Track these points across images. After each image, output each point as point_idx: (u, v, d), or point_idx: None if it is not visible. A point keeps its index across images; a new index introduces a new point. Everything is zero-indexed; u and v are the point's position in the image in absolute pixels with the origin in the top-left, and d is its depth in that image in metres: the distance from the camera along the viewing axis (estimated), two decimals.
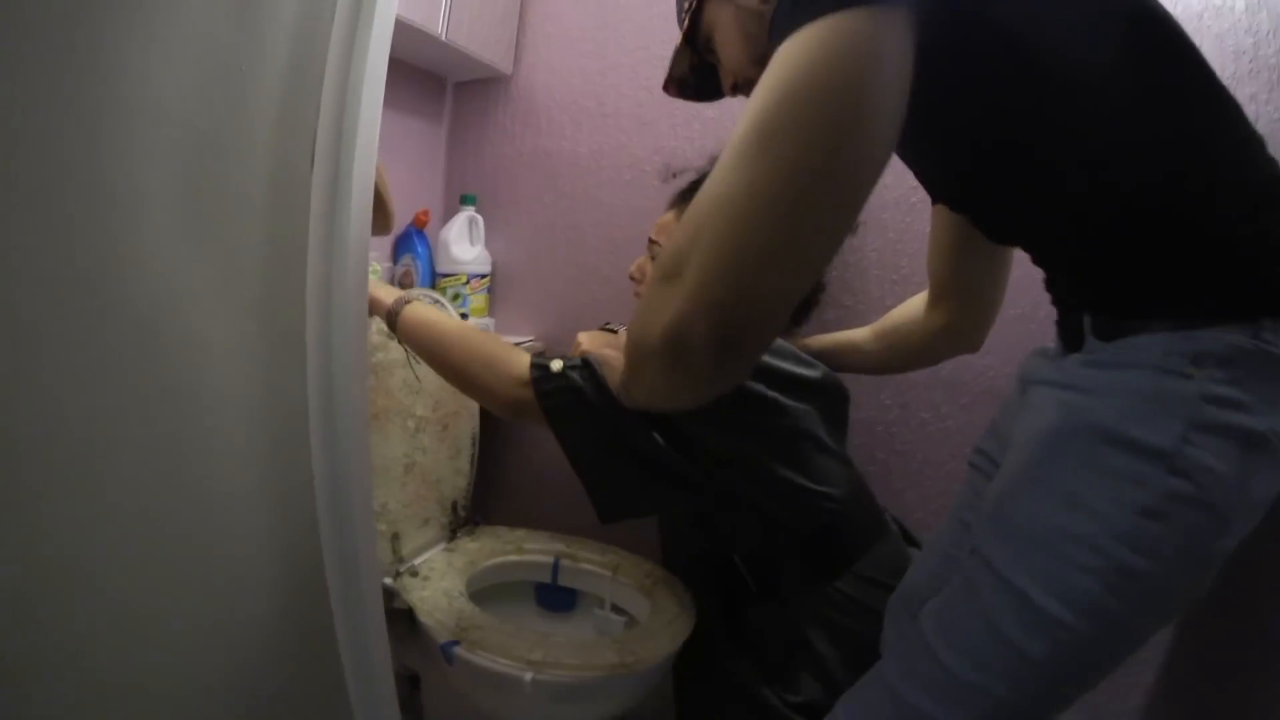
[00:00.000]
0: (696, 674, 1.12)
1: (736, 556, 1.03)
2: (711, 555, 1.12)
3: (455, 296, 1.50)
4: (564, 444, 0.87)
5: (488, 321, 1.50)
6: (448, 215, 1.59)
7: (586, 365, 0.86)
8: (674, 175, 1.16)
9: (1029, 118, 0.58)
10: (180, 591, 0.59)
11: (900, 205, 1.29)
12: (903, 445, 1.35)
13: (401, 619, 1.15)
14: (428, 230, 1.54)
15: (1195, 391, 0.54)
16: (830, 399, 1.00)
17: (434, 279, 1.53)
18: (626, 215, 1.52)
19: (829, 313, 1.35)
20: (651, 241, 1.08)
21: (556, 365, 0.85)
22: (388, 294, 0.98)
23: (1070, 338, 0.67)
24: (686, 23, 0.81)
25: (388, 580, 1.18)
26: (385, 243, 1.51)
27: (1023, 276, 0.91)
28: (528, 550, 1.38)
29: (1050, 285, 0.71)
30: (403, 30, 1.23)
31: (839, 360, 1.12)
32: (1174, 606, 0.60)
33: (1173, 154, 0.57)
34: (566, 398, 0.85)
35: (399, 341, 0.97)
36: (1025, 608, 0.58)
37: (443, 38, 1.33)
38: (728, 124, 1.43)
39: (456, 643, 1.06)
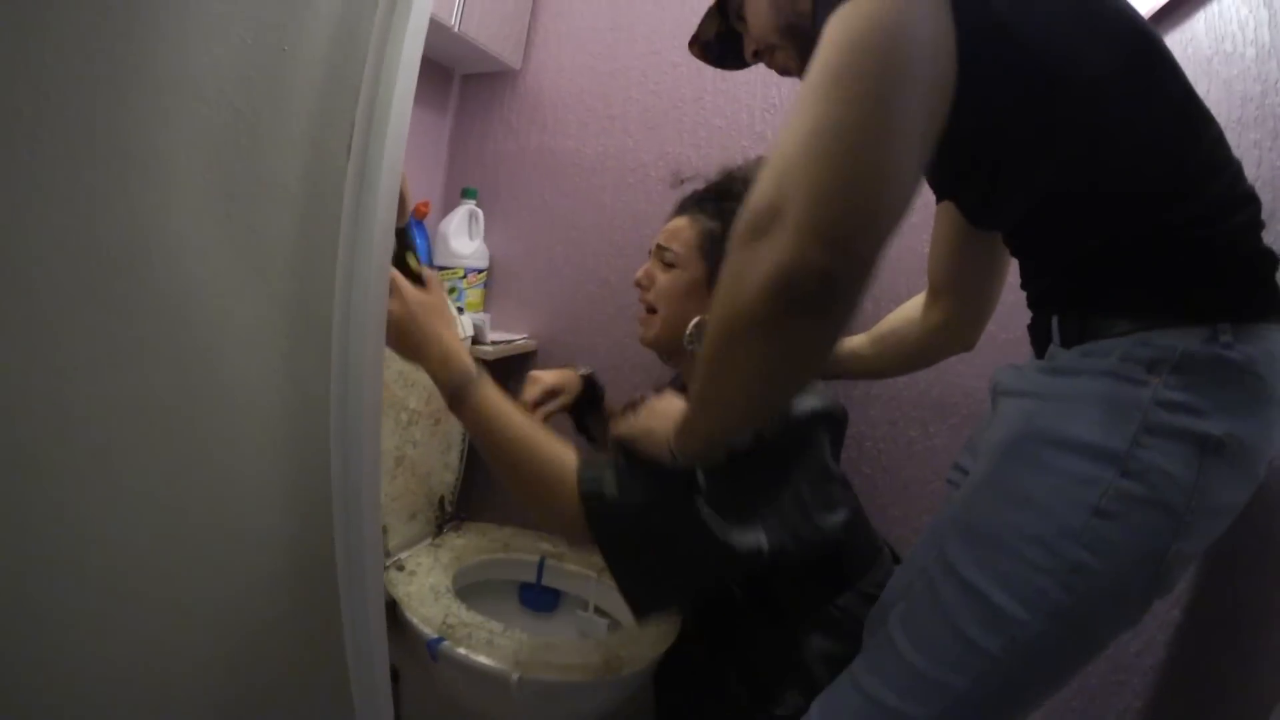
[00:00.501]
0: (679, 682, 1.14)
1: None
2: None
3: (452, 290, 1.51)
4: (615, 575, 0.80)
5: (483, 316, 1.50)
6: (447, 207, 1.59)
7: (628, 459, 0.79)
8: (682, 182, 1.17)
9: (1017, 112, 0.61)
10: (195, 579, 0.60)
11: None
12: (890, 462, 1.38)
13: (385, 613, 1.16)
14: (427, 222, 1.55)
15: (1149, 396, 0.58)
16: (837, 425, 1.03)
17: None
18: (628, 219, 1.53)
19: None
20: (660, 248, 1.07)
21: (610, 487, 0.78)
22: (457, 362, 0.84)
23: (1039, 341, 0.71)
24: None
25: None
26: None
27: (1016, 303, 0.95)
28: (514, 549, 1.39)
29: (1024, 280, 0.75)
30: None
31: (837, 368, 1.14)
32: (1132, 607, 0.63)
33: (1146, 159, 0.60)
34: (616, 527, 0.78)
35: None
36: (983, 605, 0.61)
37: (456, 29, 1.34)
38: (734, 133, 1.45)
39: (442, 639, 1.07)
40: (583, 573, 1.36)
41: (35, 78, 0.44)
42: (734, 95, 1.45)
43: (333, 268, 0.68)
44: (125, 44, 0.48)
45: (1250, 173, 0.64)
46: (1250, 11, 0.80)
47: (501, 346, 1.48)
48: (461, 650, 1.06)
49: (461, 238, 1.54)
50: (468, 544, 1.37)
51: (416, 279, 0.89)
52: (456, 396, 0.83)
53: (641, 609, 0.81)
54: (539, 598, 1.41)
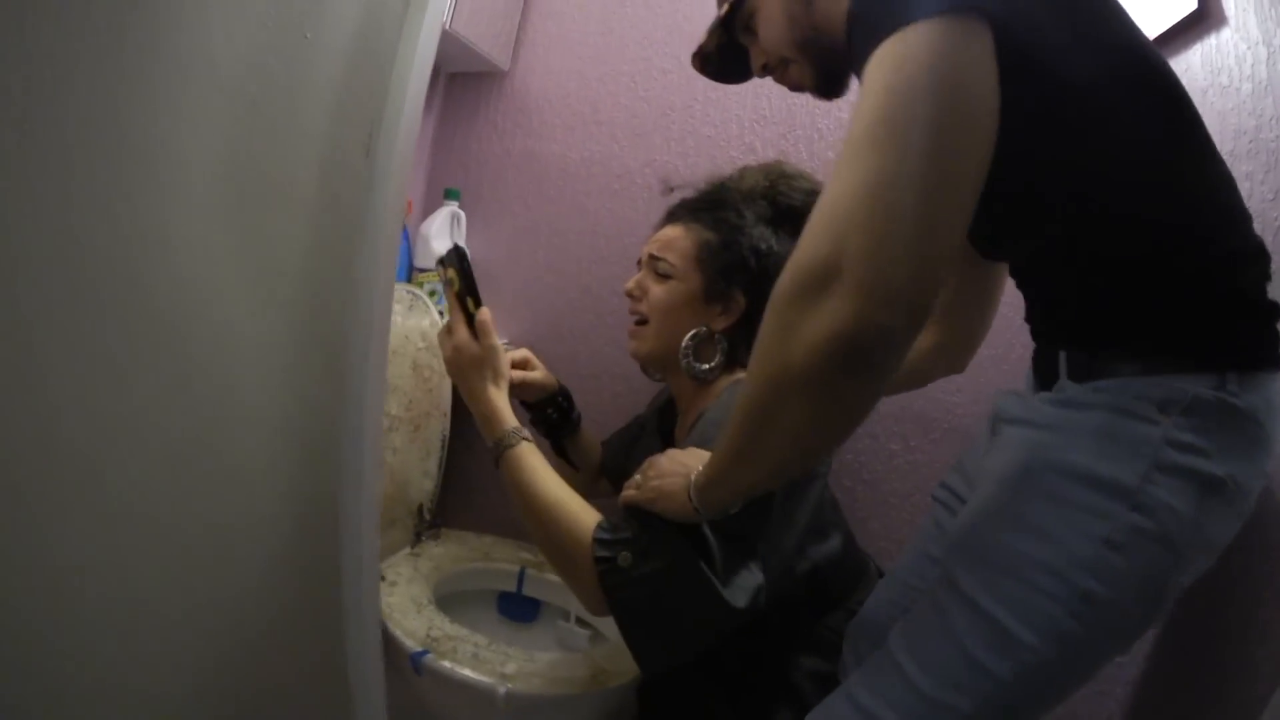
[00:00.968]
0: (664, 700, 1.14)
1: None
2: None
3: (432, 292, 1.50)
4: (625, 635, 0.83)
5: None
6: (429, 208, 1.58)
7: (640, 528, 0.81)
8: (671, 190, 1.16)
9: (1043, 146, 0.63)
10: (190, 603, 0.57)
11: None
12: (870, 475, 1.41)
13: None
14: (407, 222, 1.53)
15: (1160, 435, 0.61)
16: None
17: (410, 273, 1.52)
18: (612, 226, 1.54)
19: None
20: (654, 258, 1.06)
21: (625, 559, 0.80)
22: (498, 424, 0.94)
23: (1044, 374, 0.73)
24: (729, 1, 0.85)
25: None
26: None
27: (998, 319, 0.98)
28: (494, 558, 1.39)
29: (1031, 315, 0.77)
30: None
31: None
32: (1130, 635, 0.66)
33: (1166, 206, 0.63)
34: (627, 594, 0.80)
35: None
36: (994, 630, 0.64)
37: (448, 26, 1.33)
38: (722, 143, 1.47)
39: (426, 652, 1.07)
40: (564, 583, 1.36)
41: (27, 51, 0.38)
42: (723, 105, 1.47)
43: (344, 277, 0.66)
44: (133, 13, 0.43)
45: None
46: (1249, 48, 0.84)
47: None
48: (446, 663, 1.05)
49: (443, 239, 1.53)
50: (447, 553, 1.37)
51: (470, 319, 0.98)
52: (497, 452, 0.93)
53: (647, 665, 0.85)
54: (518, 607, 1.41)
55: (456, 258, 0.99)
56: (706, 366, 1.02)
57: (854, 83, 0.84)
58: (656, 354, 1.07)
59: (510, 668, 1.04)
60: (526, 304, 1.60)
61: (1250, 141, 0.81)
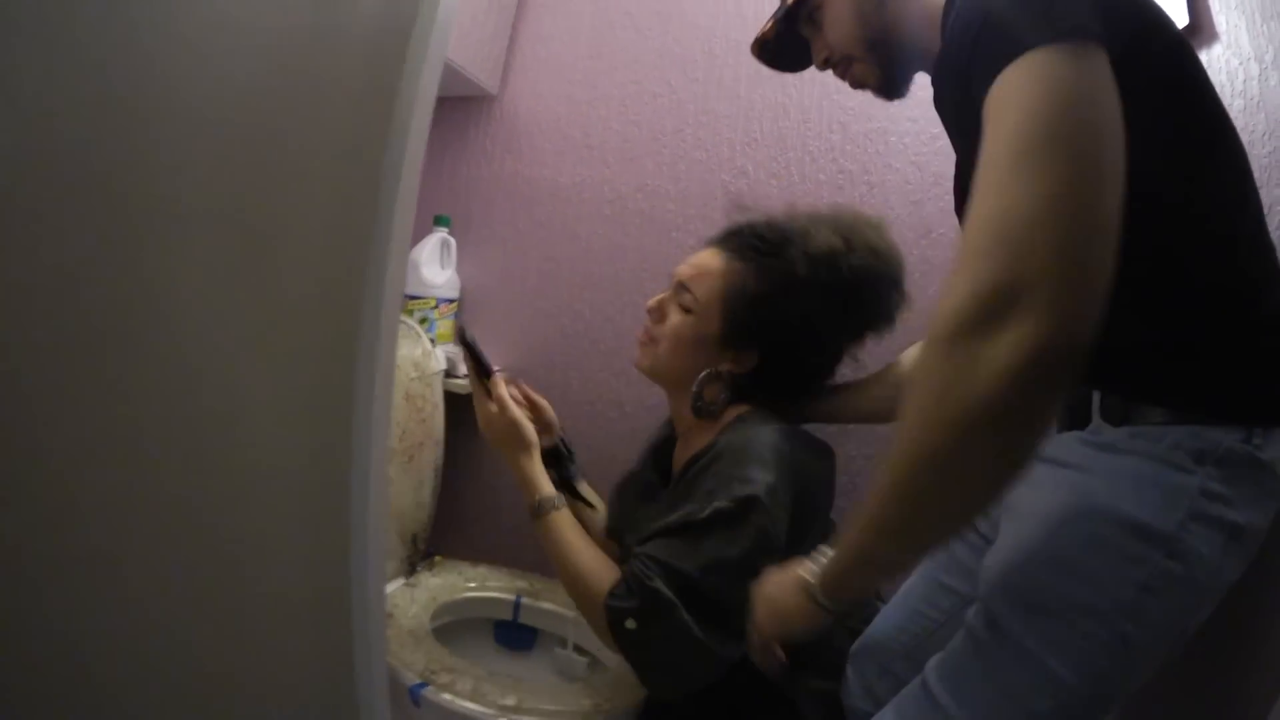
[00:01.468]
0: None
1: None
2: None
3: (423, 320, 1.51)
4: (635, 671, 0.95)
5: (455, 349, 1.51)
6: (418, 235, 1.59)
7: (644, 600, 0.90)
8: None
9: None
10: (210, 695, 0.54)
11: None
12: (864, 495, 1.43)
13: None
14: None
15: (1196, 485, 0.64)
16: (832, 471, 1.08)
17: (401, 301, 1.53)
18: (604, 251, 1.56)
19: None
20: (681, 286, 1.05)
21: (630, 624, 0.90)
22: (533, 490, 1.06)
23: (1075, 413, 0.75)
24: None
25: None
26: None
27: None
28: (490, 588, 1.41)
29: None
30: None
31: (849, 412, 1.17)
32: (1150, 671, 0.69)
33: (1223, 264, 0.66)
34: (635, 645, 0.92)
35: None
36: (1037, 671, 0.66)
37: None
38: (714, 167, 1.50)
39: (425, 684, 1.08)
40: (560, 611, 1.37)
41: None
42: (715, 128, 1.50)
43: (354, 321, 0.65)
44: (110, 25, 0.39)
45: None
46: (1240, 64, 0.87)
47: None
48: (446, 696, 1.06)
49: (433, 266, 1.54)
50: (443, 583, 1.38)
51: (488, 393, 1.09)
52: (532, 515, 1.05)
53: (657, 696, 0.99)
54: (515, 636, 1.42)
55: (463, 343, 1.09)
56: (712, 404, 1.05)
57: (915, 86, 0.86)
58: (658, 373, 1.09)
59: (510, 700, 1.06)
60: (518, 330, 1.62)
61: None
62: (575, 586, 0.99)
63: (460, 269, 1.62)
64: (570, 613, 1.36)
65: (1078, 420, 0.75)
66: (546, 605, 1.39)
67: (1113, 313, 0.71)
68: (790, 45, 0.93)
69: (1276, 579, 0.75)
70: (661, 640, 0.89)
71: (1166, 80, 0.64)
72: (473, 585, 1.40)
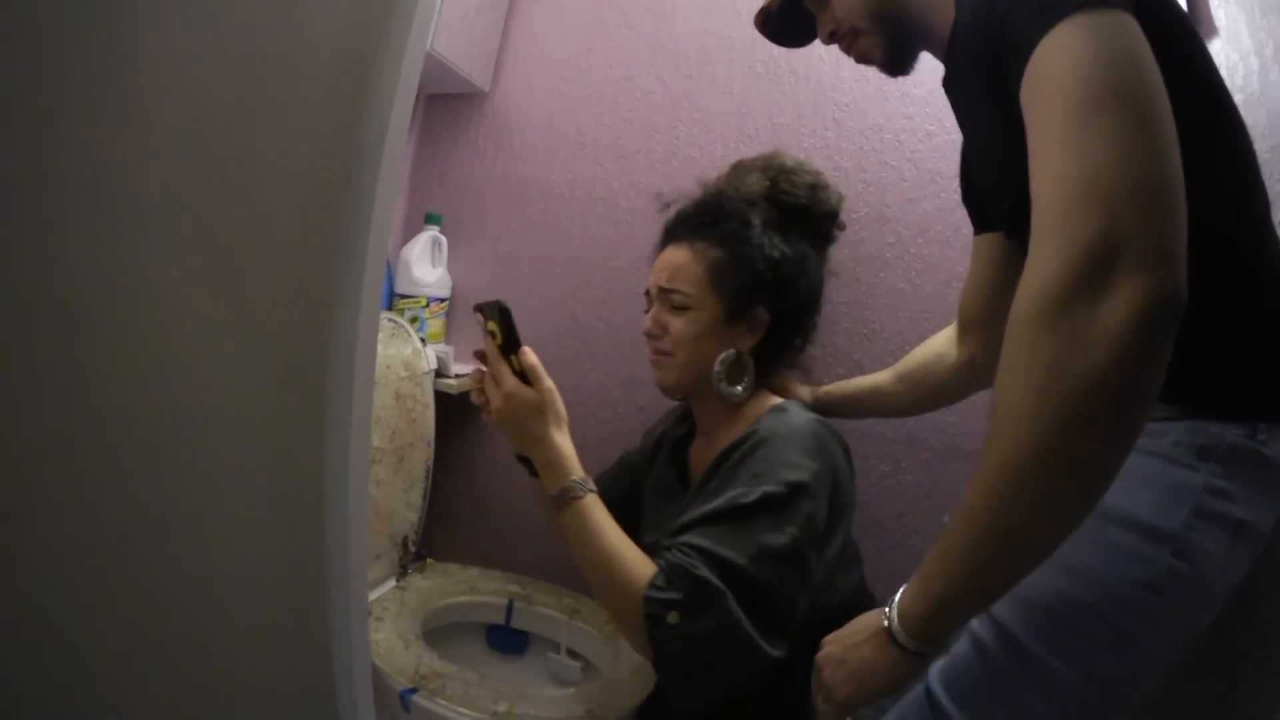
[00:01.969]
0: None
1: None
2: None
3: (414, 319, 1.51)
4: (662, 679, 0.91)
5: (446, 349, 1.51)
6: (409, 233, 1.59)
7: (692, 591, 0.84)
8: (667, 205, 1.16)
9: None
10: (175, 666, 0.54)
11: (874, 260, 1.38)
12: (862, 498, 1.43)
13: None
14: (388, 248, 1.54)
15: (1200, 483, 0.64)
16: (852, 467, 1.08)
17: (392, 300, 1.53)
18: (596, 249, 1.56)
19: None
20: (665, 290, 1.05)
21: (673, 617, 0.84)
22: (562, 472, 0.94)
23: None
24: None
25: None
26: None
27: None
28: (481, 591, 1.40)
29: None
30: None
31: (860, 406, 1.18)
32: (1160, 672, 0.69)
33: (1232, 260, 0.66)
34: (671, 647, 0.85)
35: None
36: (1039, 673, 0.67)
37: (429, 47, 1.35)
38: (707, 163, 1.49)
39: (415, 690, 1.08)
40: (553, 615, 1.37)
41: None
42: (708, 125, 1.50)
43: (328, 320, 0.64)
44: (91, 27, 0.39)
45: None
46: (1240, 59, 0.87)
47: (465, 380, 1.48)
48: (436, 701, 1.06)
49: (424, 265, 1.54)
50: (434, 586, 1.38)
51: (521, 374, 0.95)
52: (561, 500, 0.93)
53: (681, 707, 0.89)
54: (507, 640, 1.42)
55: (499, 313, 0.95)
56: (739, 389, 1.04)
57: (911, 83, 0.84)
58: (685, 383, 1.07)
59: (502, 706, 1.05)
60: None
61: None
62: (609, 578, 0.89)
63: (451, 267, 1.62)
64: (564, 615, 1.36)
65: None
66: (540, 609, 1.39)
67: None
68: (794, 18, 0.93)
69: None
70: (708, 635, 0.83)
71: (1177, 65, 0.64)
72: (464, 589, 1.40)
